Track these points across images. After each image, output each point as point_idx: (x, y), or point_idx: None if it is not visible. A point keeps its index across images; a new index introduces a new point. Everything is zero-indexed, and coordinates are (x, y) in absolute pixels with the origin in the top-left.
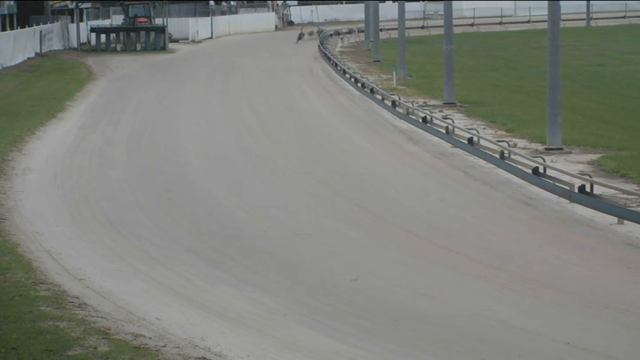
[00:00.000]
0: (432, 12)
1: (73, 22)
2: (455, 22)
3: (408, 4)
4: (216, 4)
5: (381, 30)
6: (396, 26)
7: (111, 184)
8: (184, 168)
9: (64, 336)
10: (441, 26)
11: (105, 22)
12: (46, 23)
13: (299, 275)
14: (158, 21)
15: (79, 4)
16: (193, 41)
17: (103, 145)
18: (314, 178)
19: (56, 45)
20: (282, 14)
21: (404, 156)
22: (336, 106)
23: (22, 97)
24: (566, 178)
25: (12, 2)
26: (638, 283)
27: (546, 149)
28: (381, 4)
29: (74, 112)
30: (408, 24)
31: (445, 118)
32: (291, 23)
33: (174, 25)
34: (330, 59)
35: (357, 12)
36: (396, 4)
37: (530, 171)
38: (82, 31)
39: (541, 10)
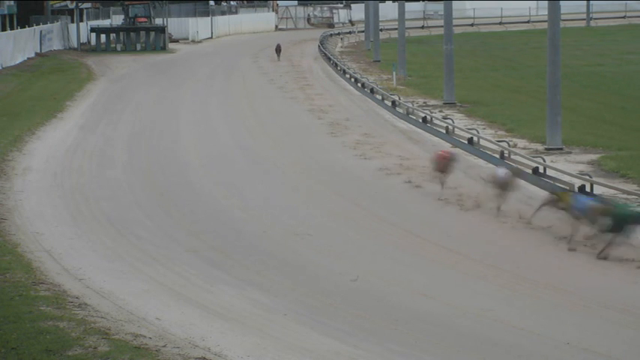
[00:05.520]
0: (432, 12)
1: (73, 22)
2: (455, 22)
3: (408, 4)
4: (216, 4)
5: (381, 30)
6: (396, 26)
7: (111, 184)
8: (184, 168)
9: (64, 336)
10: (441, 26)
11: (105, 22)
12: (46, 23)
13: (299, 275)
14: (158, 21)
15: (79, 4)
16: (193, 41)
17: (103, 145)
18: (314, 178)
19: (56, 45)
20: (313, 15)
21: (404, 156)
22: (336, 106)
23: (22, 97)
24: (566, 178)
25: (12, 2)
26: (638, 283)
27: (546, 149)
28: (381, 4)
29: (74, 112)
30: (408, 24)
31: (445, 118)
32: (331, 26)
33: (174, 25)
34: (330, 59)
35: (357, 12)
36: (396, 4)
37: (530, 171)
38: (82, 31)
39: (541, 10)
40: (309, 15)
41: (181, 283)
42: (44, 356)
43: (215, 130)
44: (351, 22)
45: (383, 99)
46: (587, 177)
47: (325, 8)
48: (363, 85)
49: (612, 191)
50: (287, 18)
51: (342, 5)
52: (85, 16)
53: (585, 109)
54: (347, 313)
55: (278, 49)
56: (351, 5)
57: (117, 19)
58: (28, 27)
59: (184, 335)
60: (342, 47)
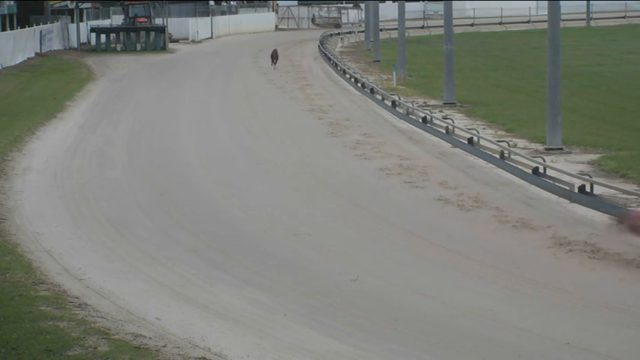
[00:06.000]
0: (432, 12)
1: (73, 22)
2: (455, 22)
3: (408, 4)
4: (216, 4)
5: (381, 30)
6: (396, 26)
7: (111, 184)
8: (184, 168)
9: (64, 336)
10: (441, 26)
11: (105, 22)
12: (46, 23)
13: (299, 275)
14: (158, 21)
15: (79, 4)
16: (193, 41)
17: (103, 145)
18: (314, 178)
19: (56, 45)
20: (319, 15)
21: (404, 156)
22: (336, 106)
23: (22, 97)
24: (566, 178)
25: (12, 2)
26: (638, 283)
27: (546, 149)
28: (381, 4)
29: (74, 112)
30: (408, 24)
31: (445, 118)
32: (338, 27)
33: (174, 25)
34: (330, 59)
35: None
36: (396, 4)
37: (530, 171)
38: (82, 31)
39: (541, 10)
40: (314, 15)
41: (181, 283)
42: (44, 356)
43: (215, 130)
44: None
45: (383, 99)
46: (587, 177)
47: (333, 8)
48: (363, 85)
49: (612, 191)
50: (289, 18)
51: (351, 5)
52: (85, 16)
53: (585, 109)
54: (347, 313)
55: (274, 56)
56: (361, 5)
57: (117, 19)
58: (28, 27)
59: (184, 335)
60: (342, 47)
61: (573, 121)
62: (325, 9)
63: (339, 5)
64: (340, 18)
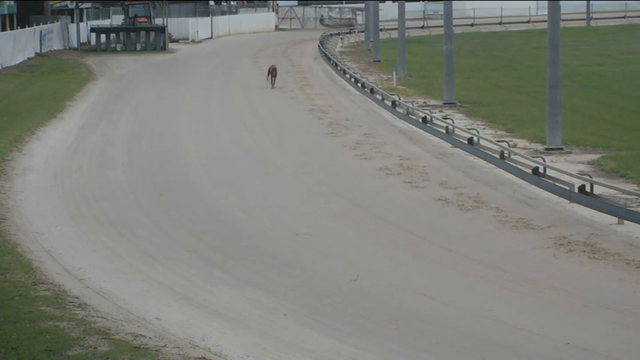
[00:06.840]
0: (432, 12)
1: (73, 22)
2: (455, 22)
3: (408, 4)
4: (216, 4)
5: (381, 30)
6: (396, 26)
7: (111, 184)
8: (184, 168)
9: (64, 336)
10: (441, 26)
11: (105, 22)
12: (46, 23)
13: (299, 275)
14: (158, 21)
15: (79, 4)
16: (193, 41)
17: (103, 145)
18: (314, 178)
19: (56, 45)
20: (328, 16)
21: (404, 156)
22: (336, 106)
23: (22, 97)
24: (566, 178)
25: (12, 2)
26: (638, 283)
27: (546, 149)
28: (381, 4)
29: (74, 112)
30: (408, 24)
31: (445, 118)
32: (351, 25)
33: (174, 25)
34: (330, 59)
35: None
36: (396, 4)
37: (530, 171)
38: (82, 31)
39: (541, 10)
40: (322, 16)
41: (181, 283)
42: (44, 356)
43: (215, 130)
44: None
45: (383, 99)
46: (587, 177)
47: (346, 9)
48: (363, 85)
49: (612, 191)
50: (291, 18)
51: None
52: (85, 16)
53: (585, 109)
54: (347, 313)
55: (272, 72)
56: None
57: (117, 19)
58: (28, 27)
59: (184, 335)
60: (342, 47)
61: (573, 121)
62: (337, 10)
63: (354, 6)
64: (355, 19)
